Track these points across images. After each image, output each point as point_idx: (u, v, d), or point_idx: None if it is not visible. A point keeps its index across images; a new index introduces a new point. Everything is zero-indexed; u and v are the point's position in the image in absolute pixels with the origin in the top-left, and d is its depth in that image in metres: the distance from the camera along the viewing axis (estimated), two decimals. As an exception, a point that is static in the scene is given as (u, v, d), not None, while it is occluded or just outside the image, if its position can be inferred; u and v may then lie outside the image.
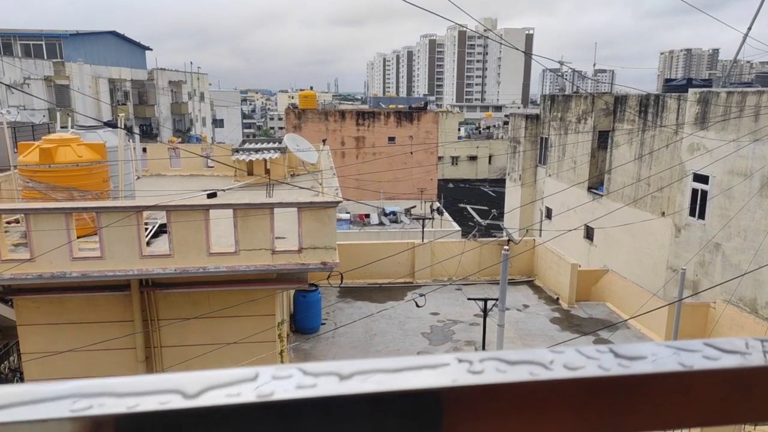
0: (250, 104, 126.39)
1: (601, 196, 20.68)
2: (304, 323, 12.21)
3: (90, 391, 0.37)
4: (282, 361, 10.11)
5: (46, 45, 34.36)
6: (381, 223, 33.31)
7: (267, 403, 0.36)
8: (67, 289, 8.26)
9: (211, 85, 61.10)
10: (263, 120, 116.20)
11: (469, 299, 11.51)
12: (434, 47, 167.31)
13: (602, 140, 20.97)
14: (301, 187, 10.18)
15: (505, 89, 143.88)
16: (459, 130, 67.25)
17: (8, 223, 8.90)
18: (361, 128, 39.72)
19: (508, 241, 14.81)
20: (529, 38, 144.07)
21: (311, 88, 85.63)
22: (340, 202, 8.37)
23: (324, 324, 12.87)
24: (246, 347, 8.99)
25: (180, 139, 40.45)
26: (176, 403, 0.36)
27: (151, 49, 45.52)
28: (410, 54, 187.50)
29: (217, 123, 61.46)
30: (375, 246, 16.34)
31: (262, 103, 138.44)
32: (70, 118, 10.81)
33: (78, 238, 7.69)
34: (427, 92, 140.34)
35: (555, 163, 23.74)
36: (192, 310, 8.95)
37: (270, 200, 8.77)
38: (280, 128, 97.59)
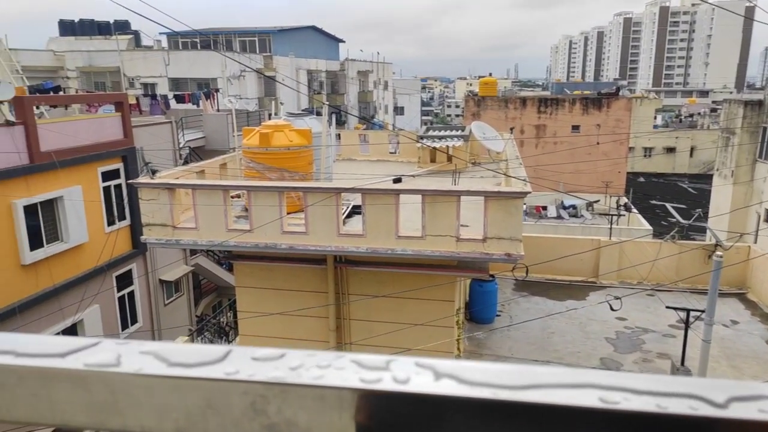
0: (429, 92, 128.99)
1: None
2: (479, 313, 12.20)
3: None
4: (458, 349, 10.25)
5: (258, 41, 38.98)
6: (559, 217, 31.71)
7: None
8: (275, 258, 9.34)
9: (394, 74, 63.64)
10: (440, 107, 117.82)
11: (667, 307, 10.39)
12: (629, 26, 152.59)
13: None
14: (496, 171, 10.09)
15: (714, 71, 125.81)
16: (655, 118, 60.60)
17: (231, 197, 10.33)
18: (542, 116, 38.06)
19: (716, 245, 13.01)
20: (749, 11, 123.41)
21: (490, 74, 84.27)
22: (529, 192, 8.11)
23: (499, 316, 12.72)
24: (425, 330, 9.28)
25: (365, 126, 42.92)
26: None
27: (344, 41, 48.94)
28: (600, 35, 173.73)
29: (398, 110, 63.91)
30: (556, 240, 15.61)
31: (441, 90, 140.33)
32: (281, 105, 12.03)
33: (287, 214, 8.62)
34: (617, 76, 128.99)
35: (781, 158, 20.12)
36: (378, 288, 9.49)
37: (457, 188, 8.86)
38: (457, 116, 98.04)
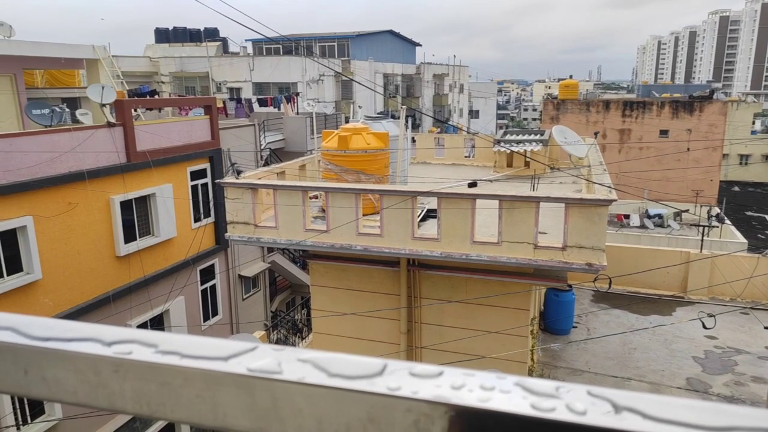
0: (505, 95, 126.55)
1: None
2: (554, 323, 11.78)
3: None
4: (532, 360, 9.95)
5: (337, 46, 39.87)
6: (643, 226, 30.08)
7: None
8: (349, 259, 9.49)
9: (470, 77, 62.99)
10: (517, 111, 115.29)
11: (765, 328, 9.56)
12: (726, 25, 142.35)
13: None
14: (582, 177, 9.74)
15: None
16: (753, 123, 56.13)
17: (309, 198, 10.60)
18: (627, 120, 36.26)
19: (826, 263, 11.83)
20: None
21: (570, 77, 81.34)
22: (614, 201, 7.74)
23: (575, 328, 12.23)
24: (498, 338, 9.08)
25: (439, 129, 42.77)
26: None
27: (420, 45, 49.01)
28: (692, 35, 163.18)
29: (473, 114, 63.19)
30: (639, 251, 14.80)
31: (517, 93, 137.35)
32: (359, 109, 12.21)
33: (363, 216, 8.73)
34: (711, 78, 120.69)
35: None
36: (450, 293, 9.40)
37: (537, 193, 8.61)
38: (534, 119, 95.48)
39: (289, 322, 18.96)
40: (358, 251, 8.73)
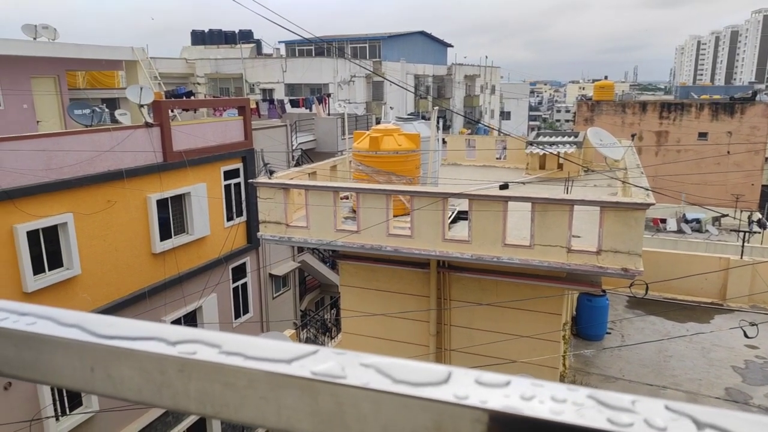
0: (537, 96, 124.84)
1: None
2: (587, 329, 11.55)
3: None
4: (564, 365, 9.78)
5: (368, 47, 40.01)
6: (680, 231, 29.23)
7: None
8: (379, 260, 9.50)
9: (502, 78, 62.39)
10: (549, 112, 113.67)
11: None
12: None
13: None
14: (621, 180, 9.55)
15: None
16: (799, 125, 53.89)
17: (340, 198, 10.66)
18: (664, 122, 35.36)
19: None
20: None
21: (606, 77, 79.77)
22: (652, 204, 7.55)
23: (609, 334, 11.96)
24: (529, 342, 8.96)
25: (470, 131, 42.48)
26: None
27: (452, 46, 48.78)
28: (734, 34, 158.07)
29: (504, 115, 62.57)
30: (676, 256, 14.39)
31: (550, 94, 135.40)
32: (390, 110, 12.22)
33: (394, 217, 8.73)
34: (754, 79, 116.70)
35: None
36: (480, 296, 9.32)
37: (571, 196, 8.46)
38: (567, 121, 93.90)
39: (319, 321, 19.10)
40: (389, 252, 8.73)
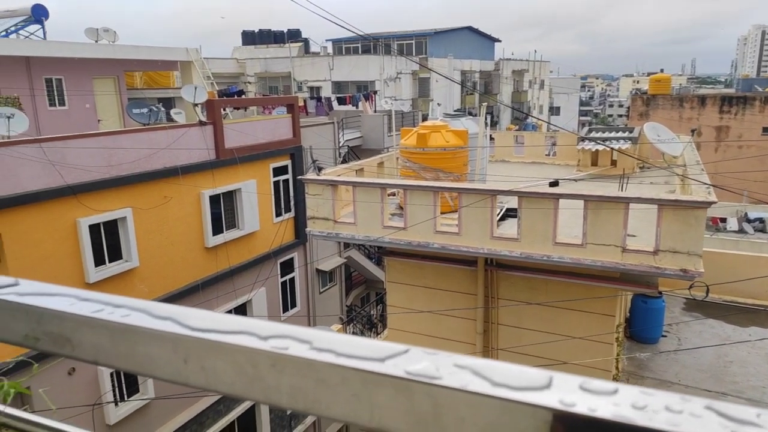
0: (588, 91, 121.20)
1: None
2: (641, 332, 11.14)
3: None
4: (617, 368, 9.48)
5: (415, 43, 39.87)
6: (741, 230, 27.78)
7: None
8: (426, 257, 9.47)
9: (551, 72, 60.88)
10: (601, 107, 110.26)
11: None
12: None
13: None
14: (677, 174, 9.18)
15: None
16: None
17: (387, 195, 10.68)
18: (724, 116, 33.67)
19: None
20: None
21: (662, 70, 76.61)
22: (714, 202, 7.20)
23: (665, 337, 11.50)
24: (580, 344, 8.73)
25: (517, 127, 41.71)
26: None
27: (500, 41, 47.98)
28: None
29: (554, 110, 61.06)
30: (738, 258, 13.68)
31: (602, 89, 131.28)
32: (438, 106, 12.12)
33: (441, 214, 8.68)
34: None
35: None
36: (529, 295, 9.15)
37: (626, 194, 8.17)
38: (620, 116, 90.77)
39: (364, 317, 19.24)
40: (436, 249, 8.69)
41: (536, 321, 9.12)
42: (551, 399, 0.37)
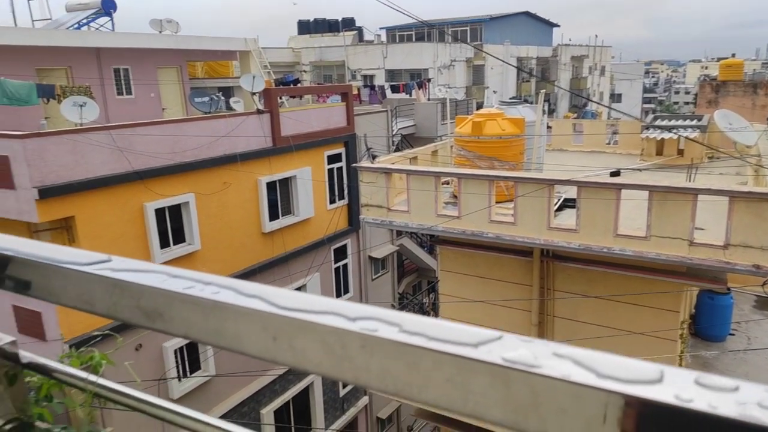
0: (653, 77, 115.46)
1: None
2: (707, 329, 10.62)
3: None
4: (680, 366, 9.09)
5: (470, 30, 39.15)
6: (821, 226, 25.88)
7: None
8: (479, 246, 9.36)
9: (613, 58, 58.44)
10: (666, 94, 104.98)
11: None
12: None
13: None
14: (751, 164, 8.69)
15: None
16: None
17: (441, 183, 10.60)
18: (806, 102, 31.26)
19: None
20: None
21: (733, 55, 71.96)
22: (793, 195, 6.73)
23: (732, 335, 10.92)
24: (641, 340, 8.42)
25: (576, 115, 40.36)
26: None
27: (558, 26, 46.40)
28: None
29: (615, 98, 58.62)
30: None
31: (667, 75, 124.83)
32: (494, 94, 11.89)
33: (496, 203, 8.54)
34: None
35: None
36: (586, 287, 8.89)
37: (693, 185, 7.77)
38: (687, 103, 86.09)
39: (416, 305, 19.27)
40: (490, 239, 8.57)
41: (593, 314, 8.86)
42: (666, 394, 0.35)
